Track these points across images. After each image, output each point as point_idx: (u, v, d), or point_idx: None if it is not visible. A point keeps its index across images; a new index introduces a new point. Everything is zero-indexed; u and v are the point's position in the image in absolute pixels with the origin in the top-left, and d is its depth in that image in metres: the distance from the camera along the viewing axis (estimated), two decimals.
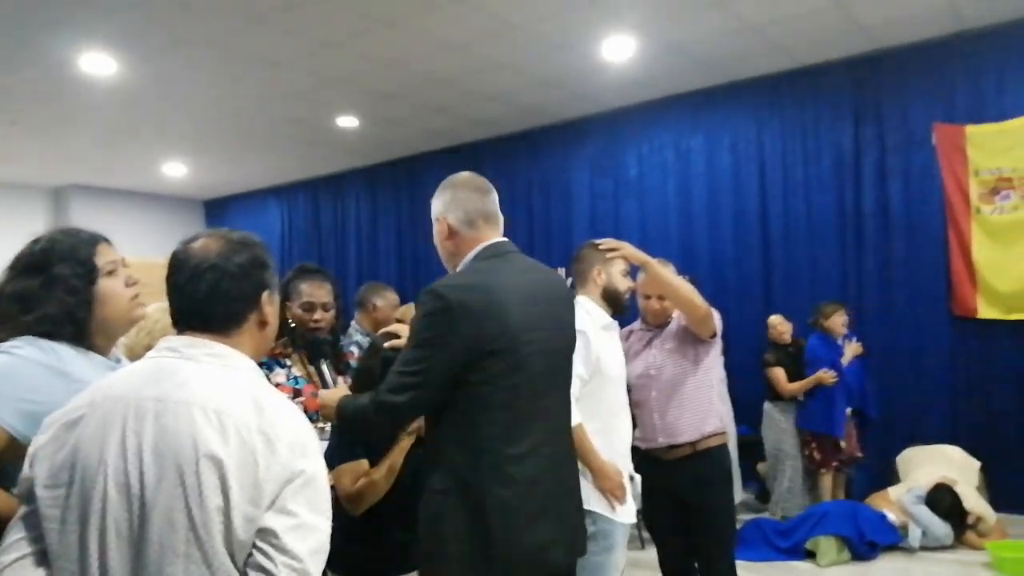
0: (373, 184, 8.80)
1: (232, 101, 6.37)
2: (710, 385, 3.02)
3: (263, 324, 1.34)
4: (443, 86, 6.14)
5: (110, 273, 1.69)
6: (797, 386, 5.28)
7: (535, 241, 7.44)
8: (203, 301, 1.27)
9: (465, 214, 2.01)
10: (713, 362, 3.05)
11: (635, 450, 3.15)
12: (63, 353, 1.57)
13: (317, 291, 2.78)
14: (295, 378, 2.71)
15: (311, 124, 7.08)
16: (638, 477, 2.77)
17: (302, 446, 1.19)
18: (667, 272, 2.87)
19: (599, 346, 2.63)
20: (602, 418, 2.64)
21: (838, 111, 5.90)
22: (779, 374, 5.38)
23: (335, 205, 9.17)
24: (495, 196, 2.10)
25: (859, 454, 5.32)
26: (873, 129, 5.76)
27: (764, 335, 5.68)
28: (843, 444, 5.18)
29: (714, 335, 2.99)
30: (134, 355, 2.50)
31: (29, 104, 6.13)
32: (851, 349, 5.28)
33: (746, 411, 5.81)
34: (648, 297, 3.05)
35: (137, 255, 9.82)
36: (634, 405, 3.14)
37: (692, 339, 3.00)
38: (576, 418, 2.50)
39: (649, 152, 6.87)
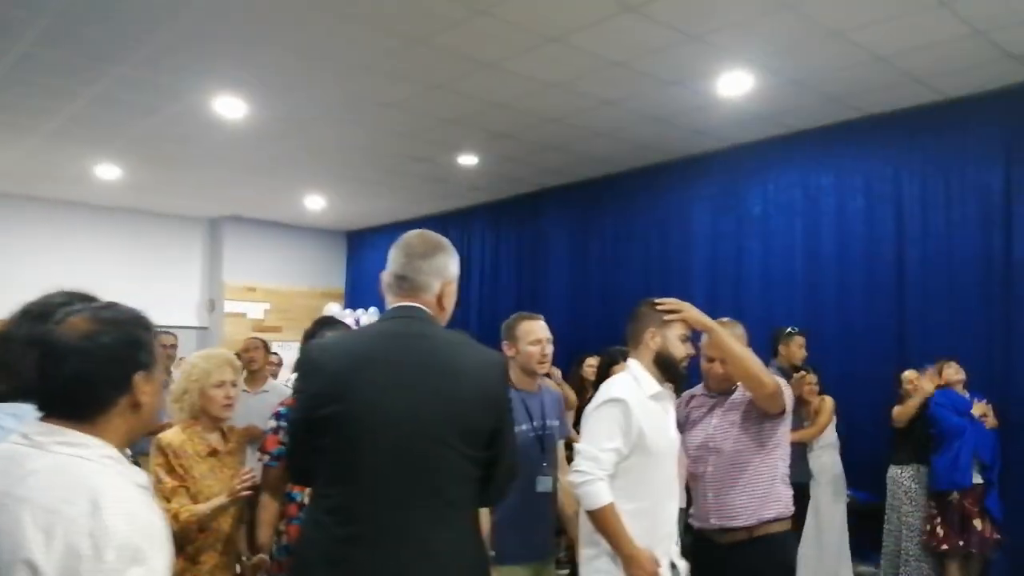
0: (497, 220, 8.88)
1: (356, 140, 6.63)
2: (775, 465, 2.72)
3: (136, 406, 1.28)
4: (551, 124, 6.09)
5: None
6: (903, 410, 4.84)
7: (651, 283, 7.15)
8: (65, 386, 1.21)
9: (386, 276, 1.92)
10: (780, 440, 2.75)
11: (688, 528, 2.90)
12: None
13: None
14: None
15: (434, 162, 7.24)
16: (683, 565, 2.52)
17: (134, 550, 1.10)
18: (732, 341, 2.62)
19: (643, 417, 2.43)
20: (643, 498, 2.43)
21: (986, 148, 5.27)
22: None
23: (461, 239, 9.31)
24: (428, 258, 1.90)
25: (995, 536, 4.65)
26: None
27: (892, 391, 5.13)
28: (976, 524, 4.57)
29: (783, 412, 2.71)
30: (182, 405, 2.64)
31: (174, 143, 6.66)
32: (978, 408, 4.66)
33: (867, 474, 5.28)
34: (712, 360, 2.81)
35: (284, 283, 10.56)
36: (690, 478, 2.90)
37: (758, 413, 2.72)
38: (605, 497, 2.33)
39: (775, 191, 6.47)
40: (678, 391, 2.97)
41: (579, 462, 2.41)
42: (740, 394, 2.77)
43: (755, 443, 2.71)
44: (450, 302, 1.94)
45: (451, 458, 1.74)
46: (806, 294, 6.14)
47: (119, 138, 6.48)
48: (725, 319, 2.91)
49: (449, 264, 1.94)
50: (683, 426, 2.88)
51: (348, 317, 9.55)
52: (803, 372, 4.71)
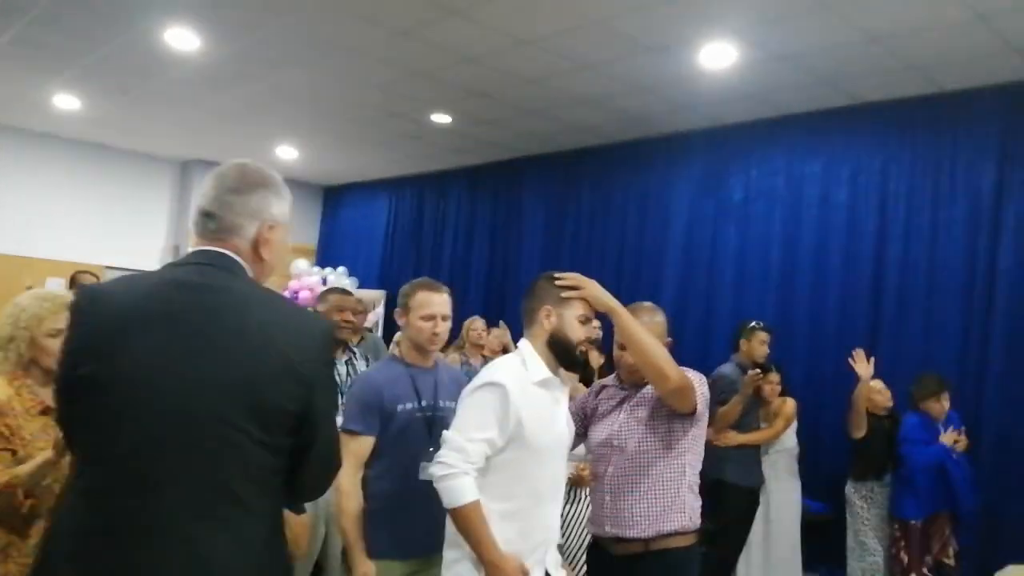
0: (473, 185, 8.53)
1: (325, 88, 6.26)
2: (681, 472, 2.42)
3: None
4: (529, 86, 5.73)
5: None
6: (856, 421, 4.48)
7: (624, 262, 6.88)
8: None
9: (193, 212, 1.59)
10: (690, 444, 2.44)
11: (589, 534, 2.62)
12: None
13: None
14: None
15: (407, 118, 6.88)
16: (561, 575, 2.23)
17: None
18: (636, 326, 2.30)
19: (524, 406, 2.12)
20: (517, 498, 2.13)
21: (980, 148, 4.94)
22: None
23: (437, 203, 8.98)
24: (243, 193, 1.55)
25: (950, 561, 4.39)
26: (1021, 173, 4.77)
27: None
28: (943, 549, 4.31)
29: (694, 412, 2.41)
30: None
31: (131, 76, 6.29)
32: (948, 437, 4.35)
33: (827, 486, 5.01)
34: (623, 348, 2.49)
35: None
36: (593, 478, 2.62)
37: (668, 412, 2.42)
38: (468, 493, 2.03)
39: (758, 176, 6.13)
40: (587, 381, 2.69)
41: (443, 453, 2.11)
42: (652, 389, 2.46)
43: (661, 445, 2.41)
44: (273, 252, 1.58)
45: (238, 443, 1.39)
46: (780, 287, 5.84)
47: (71, 66, 6.10)
48: (646, 303, 2.59)
49: (272, 203, 1.57)
50: (590, 419, 2.59)
51: (315, 275, 9.24)
52: (760, 370, 4.40)
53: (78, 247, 8.57)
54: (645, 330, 2.32)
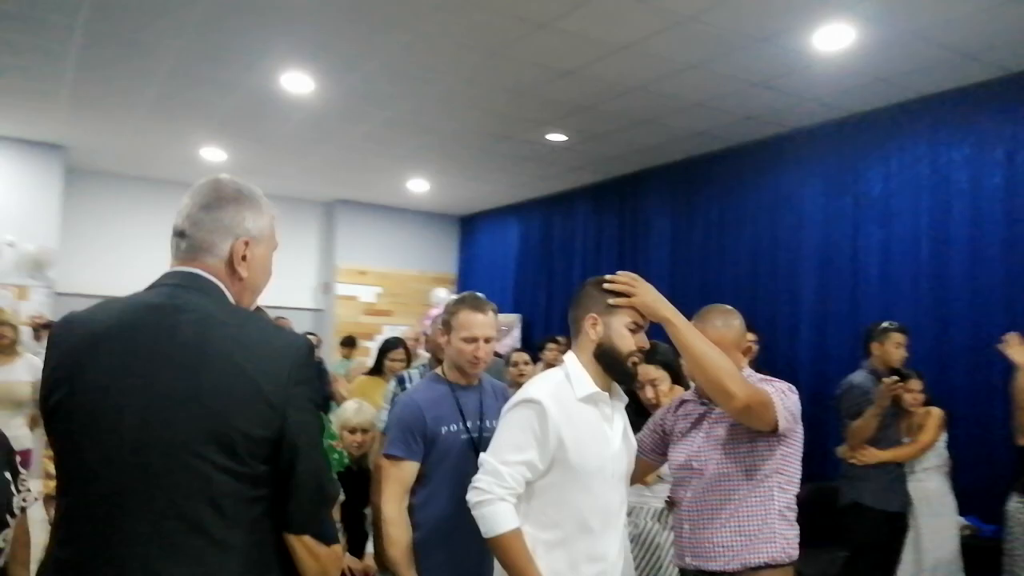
0: (598, 202, 8.37)
1: (434, 119, 6.39)
2: (768, 496, 2.12)
3: None
4: (632, 94, 5.54)
5: None
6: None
7: (758, 269, 6.44)
8: None
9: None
10: (779, 465, 2.14)
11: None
12: None
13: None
14: None
15: (520, 140, 6.87)
16: None
17: None
18: (695, 336, 2.06)
19: (566, 425, 1.95)
20: (564, 526, 1.96)
21: None
22: None
23: (564, 224, 8.89)
24: (214, 209, 1.50)
25: None
26: None
27: None
28: None
29: (775, 430, 2.11)
30: None
31: (260, 123, 6.70)
32: None
33: (990, 503, 4.38)
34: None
35: (396, 267, 10.58)
36: (671, 504, 2.38)
37: (747, 431, 2.14)
38: (506, 521, 1.89)
39: (898, 167, 5.55)
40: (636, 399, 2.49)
41: (477, 477, 1.98)
42: None
43: (742, 468, 2.14)
44: (252, 270, 1.51)
45: (199, 471, 1.31)
46: (932, 286, 5.23)
47: (209, 118, 6.60)
48: (720, 306, 2.33)
49: (246, 218, 1.51)
50: (669, 437, 2.36)
51: None
52: (898, 377, 3.91)
53: None
54: (705, 341, 2.06)
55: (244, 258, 1.50)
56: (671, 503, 2.65)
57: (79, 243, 8.23)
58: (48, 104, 6.36)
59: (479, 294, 2.58)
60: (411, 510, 2.38)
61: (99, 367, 1.37)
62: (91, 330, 1.41)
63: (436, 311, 9.49)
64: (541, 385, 2.03)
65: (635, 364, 2.07)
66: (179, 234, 1.50)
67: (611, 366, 2.05)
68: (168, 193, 9.02)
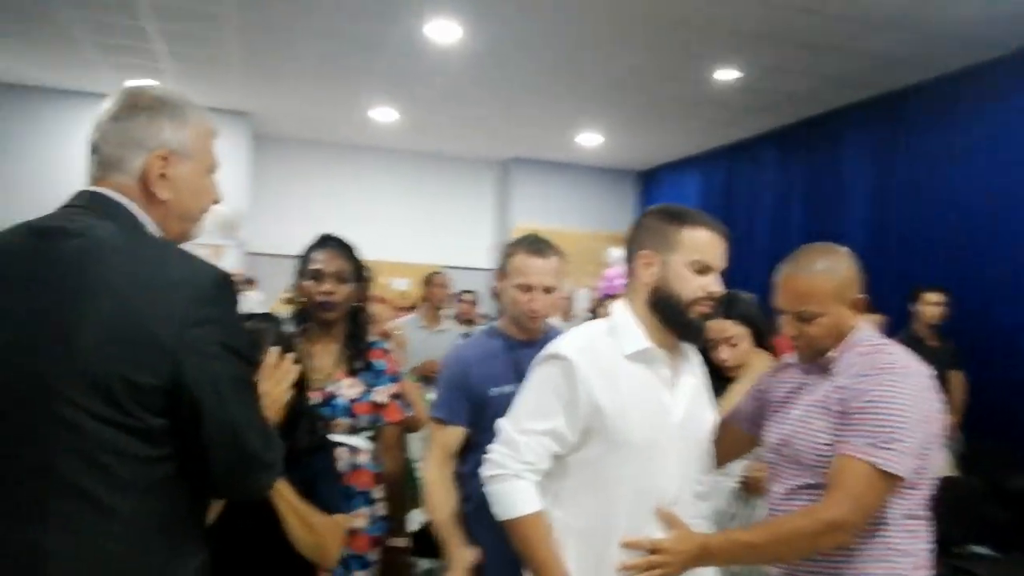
0: (784, 149, 7.51)
1: (594, 64, 5.97)
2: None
3: None
4: (815, 14, 4.77)
5: None
6: None
7: (974, 212, 5.41)
8: None
9: None
10: None
11: None
12: None
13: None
14: None
15: (689, 80, 6.26)
16: None
17: None
18: (755, 550, 1.59)
19: (604, 388, 1.57)
20: (602, 515, 1.58)
21: None
22: None
23: (748, 176, 8.10)
24: (123, 119, 1.28)
25: None
26: None
27: None
28: None
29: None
30: None
31: (420, 77, 6.63)
32: None
33: None
34: (802, 318, 1.69)
35: (570, 225, 10.28)
36: (756, 489, 1.91)
37: None
38: (524, 502, 1.56)
39: None
40: (708, 357, 1.98)
41: (491, 447, 1.64)
42: (844, 366, 1.66)
43: None
44: (176, 190, 1.28)
45: (75, 423, 1.11)
46: None
47: (369, 78, 6.62)
48: (826, 245, 1.73)
49: (163, 128, 1.27)
50: (765, 412, 1.87)
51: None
52: None
53: (413, 249, 9.38)
54: (763, 544, 1.56)
55: (163, 176, 1.27)
56: (750, 485, 2.15)
57: (267, 205, 8.72)
58: (223, 71, 6.68)
59: (542, 236, 2.21)
60: (460, 479, 2.10)
61: None
62: None
63: (613, 272, 9.10)
64: (573, 338, 1.66)
65: (702, 315, 1.62)
66: (92, 150, 1.29)
67: (669, 317, 1.62)
68: (346, 156, 9.36)
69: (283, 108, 7.82)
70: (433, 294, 5.14)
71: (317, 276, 2.28)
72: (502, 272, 2.17)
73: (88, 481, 1.12)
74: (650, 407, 1.60)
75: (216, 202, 1.40)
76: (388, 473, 2.35)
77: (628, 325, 1.64)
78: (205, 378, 1.16)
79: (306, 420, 1.71)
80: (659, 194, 9.98)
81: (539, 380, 1.63)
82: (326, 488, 1.69)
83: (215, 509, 1.49)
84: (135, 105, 1.28)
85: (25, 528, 1.11)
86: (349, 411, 2.25)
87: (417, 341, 4.48)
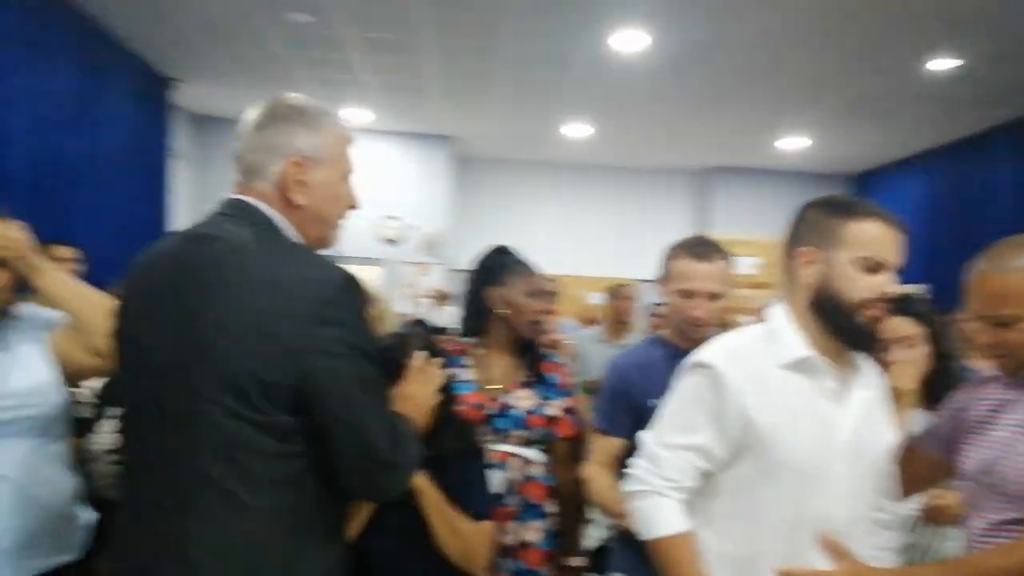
0: (1021, 144, 6.63)
1: (807, 63, 5.64)
2: None
3: None
4: None
5: None
6: None
7: None
8: None
9: None
10: None
11: None
12: None
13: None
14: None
15: (900, 73, 5.72)
16: None
17: None
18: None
19: (756, 400, 1.45)
20: (757, 541, 1.45)
21: None
22: None
23: (980, 172, 7.23)
24: (263, 128, 1.36)
25: None
26: None
27: None
28: None
29: None
30: None
31: (609, 95, 6.61)
32: None
33: None
34: (999, 323, 1.46)
35: (775, 235, 9.67)
36: (948, 518, 1.67)
37: None
38: (667, 522, 1.47)
39: None
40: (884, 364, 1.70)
41: (633, 461, 1.55)
42: None
43: None
44: (313, 196, 1.33)
45: (213, 420, 1.18)
46: None
47: (559, 94, 6.71)
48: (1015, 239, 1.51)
49: (297, 135, 1.33)
50: (961, 434, 1.63)
51: None
52: None
53: (608, 263, 9.34)
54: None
55: (299, 181, 1.33)
56: (933, 513, 1.88)
57: (468, 223, 9.08)
58: (425, 98, 7.06)
59: (709, 237, 2.09)
60: None
61: (135, 306, 1.33)
62: (141, 266, 1.36)
63: None
64: (722, 344, 1.53)
65: (872, 320, 1.45)
66: (237, 159, 1.38)
67: (834, 321, 1.46)
68: (542, 173, 9.53)
69: (481, 130, 8.12)
70: (618, 307, 5.05)
71: (537, 294, 2.31)
72: (664, 277, 2.09)
73: (224, 475, 1.20)
74: (810, 423, 1.45)
75: (353, 207, 1.44)
76: (560, 488, 2.31)
77: (786, 330, 1.50)
78: (329, 377, 1.20)
79: (453, 426, 1.72)
80: (878, 199, 9.17)
81: (683, 390, 1.54)
82: (475, 495, 1.69)
83: (362, 511, 1.54)
84: (273, 115, 1.36)
85: (173, 517, 1.21)
86: (523, 423, 2.24)
87: (595, 354, 4.41)
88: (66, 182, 4.96)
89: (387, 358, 1.61)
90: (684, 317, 2.00)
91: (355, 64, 6.15)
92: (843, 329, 1.46)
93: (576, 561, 2.35)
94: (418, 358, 1.59)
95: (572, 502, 2.32)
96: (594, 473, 2.01)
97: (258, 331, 1.19)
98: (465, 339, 2.35)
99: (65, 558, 1.69)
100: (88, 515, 1.79)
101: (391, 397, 1.40)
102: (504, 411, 2.24)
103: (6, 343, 1.67)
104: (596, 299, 9.51)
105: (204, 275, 1.24)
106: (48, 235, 4.32)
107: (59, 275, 1.70)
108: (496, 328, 2.30)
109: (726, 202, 9.52)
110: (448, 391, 1.68)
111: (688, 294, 1.99)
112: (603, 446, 2.03)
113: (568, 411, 2.33)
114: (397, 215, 8.36)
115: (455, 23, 5.16)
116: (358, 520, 1.52)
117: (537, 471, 2.25)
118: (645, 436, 1.57)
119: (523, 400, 2.26)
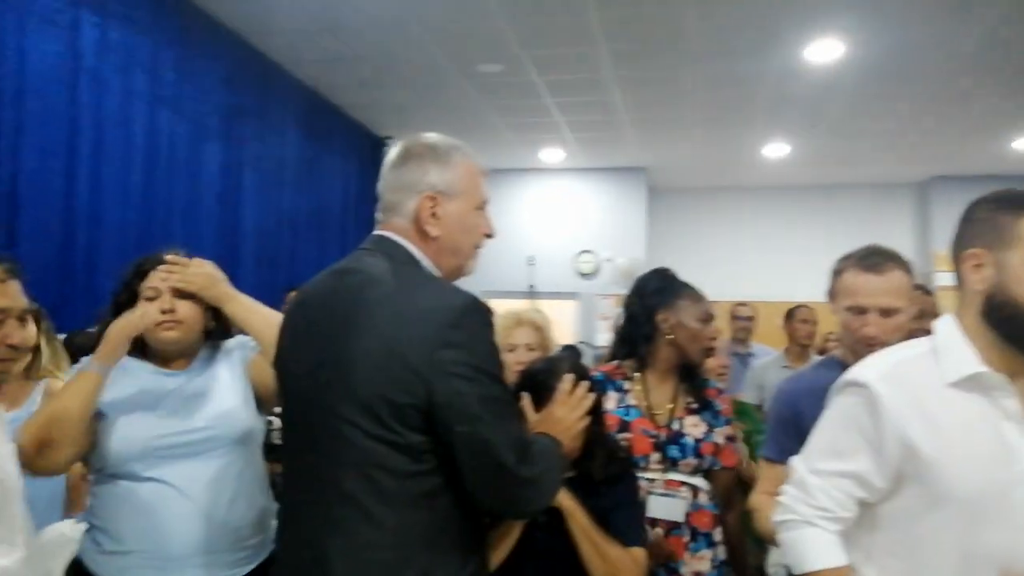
0: None
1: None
2: None
3: None
4: None
5: (149, 299, 1.85)
6: None
7: None
8: None
9: None
10: None
11: None
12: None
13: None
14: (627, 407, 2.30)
15: None
16: None
17: None
18: None
19: (920, 424, 1.33)
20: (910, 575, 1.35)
21: None
22: None
23: None
24: (398, 167, 1.47)
25: None
26: None
27: None
28: None
29: None
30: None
31: (798, 108, 6.32)
32: None
33: None
34: None
35: None
36: None
37: None
38: (817, 555, 1.40)
39: None
40: None
41: (783, 488, 1.47)
42: None
43: None
44: (445, 227, 1.42)
45: (352, 440, 1.28)
46: None
47: (753, 115, 6.53)
48: None
49: (429, 171, 1.42)
50: None
51: None
52: None
53: (812, 288, 8.80)
54: None
55: (434, 215, 1.42)
56: None
57: (663, 254, 8.95)
58: (617, 132, 7.16)
59: (884, 246, 1.95)
60: None
61: (289, 334, 1.48)
62: (298, 297, 1.52)
63: None
64: (879, 361, 1.42)
65: None
66: (378, 197, 1.50)
67: (1011, 332, 1.31)
68: (741, 200, 9.25)
69: (674, 158, 8.06)
70: (795, 330, 4.77)
71: (708, 319, 2.30)
72: (833, 292, 1.98)
73: (361, 493, 1.28)
74: (985, 450, 1.31)
75: (489, 235, 1.52)
76: (725, 518, 2.28)
77: (954, 344, 1.36)
78: (453, 397, 1.26)
79: (603, 449, 1.73)
80: None
81: (836, 412, 1.44)
82: (623, 519, 1.68)
83: (511, 533, 1.60)
84: (407, 154, 1.47)
85: (317, 534, 1.32)
86: (697, 451, 2.22)
87: (778, 381, 4.18)
88: (290, 235, 5.61)
89: (537, 382, 1.69)
90: (856, 336, 1.87)
91: (546, 106, 6.39)
92: (1020, 340, 1.33)
93: None
94: (567, 381, 1.63)
95: (737, 532, 2.29)
96: (762, 502, 1.94)
97: (388, 355, 1.27)
98: (624, 362, 2.36)
99: (240, 572, 1.79)
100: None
101: (520, 415, 1.45)
102: (676, 438, 2.22)
103: (205, 369, 1.89)
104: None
105: (343, 305, 1.35)
106: (280, 281, 5.02)
107: (247, 301, 1.87)
108: (662, 352, 2.29)
109: (948, 215, 8.64)
110: (597, 414, 1.70)
111: (859, 310, 1.86)
112: (771, 475, 1.94)
113: (730, 439, 2.29)
114: (591, 249, 8.48)
115: (636, 54, 5.21)
116: (507, 542, 1.58)
117: (705, 500, 2.23)
118: (796, 461, 1.50)
119: (694, 427, 2.24)
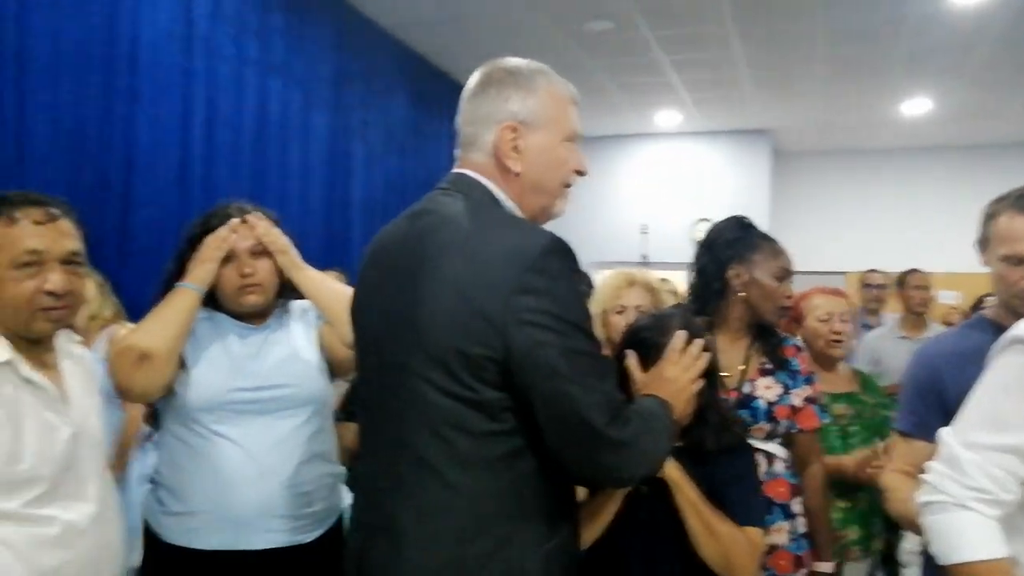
0: None
1: None
2: None
3: None
4: None
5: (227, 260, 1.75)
6: None
7: None
8: None
9: None
10: None
11: None
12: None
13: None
14: None
15: None
16: None
17: None
18: None
19: None
20: None
21: None
22: None
23: None
24: (475, 97, 1.30)
25: None
26: None
27: None
28: None
29: None
30: None
31: (941, 57, 5.74)
32: None
33: None
34: None
35: None
36: None
37: None
38: (972, 544, 1.19)
39: None
40: None
41: (929, 465, 1.25)
42: None
43: None
44: (529, 162, 1.25)
45: (423, 396, 1.15)
46: None
47: (889, 67, 5.98)
48: None
49: (509, 99, 1.25)
50: None
51: None
52: None
53: (960, 258, 8.09)
54: None
55: (515, 148, 1.26)
56: None
57: (787, 220, 8.49)
58: (736, 92, 6.75)
59: None
60: None
61: (362, 284, 1.36)
62: (373, 242, 1.39)
63: None
64: None
65: None
66: (457, 132, 1.35)
67: None
68: (878, 162, 8.59)
69: (800, 119, 7.56)
70: (909, 297, 4.42)
71: (786, 276, 2.09)
72: (984, 240, 1.70)
73: (434, 455, 1.16)
74: None
75: (580, 173, 1.34)
76: (806, 486, 2.10)
77: None
78: (534, 349, 1.11)
79: (715, 417, 1.55)
80: None
81: (999, 376, 1.22)
82: (738, 495, 1.50)
83: (610, 503, 1.45)
84: (486, 82, 1.30)
85: (387, 497, 1.21)
86: (770, 415, 2.02)
87: (897, 353, 3.81)
88: (398, 202, 5.59)
89: (644, 339, 1.52)
90: (1012, 290, 1.59)
91: (660, 65, 6.09)
92: None
93: (825, 567, 2.10)
94: (678, 339, 1.45)
95: (818, 501, 2.11)
96: (895, 482, 1.70)
97: (460, 302, 1.13)
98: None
99: (306, 538, 1.72)
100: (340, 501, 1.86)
101: (612, 371, 1.27)
102: (747, 401, 2.02)
103: (279, 328, 1.82)
104: (949, 298, 8.28)
105: (413, 250, 1.22)
106: None
107: (313, 272, 1.80)
108: (733, 311, 2.08)
109: None
110: (712, 378, 1.52)
111: (1017, 260, 1.57)
112: (906, 451, 1.70)
113: (810, 400, 2.07)
114: (709, 217, 8.10)
115: (758, 4, 4.85)
116: (603, 516, 1.44)
117: (780, 468, 2.03)
118: (944, 434, 1.28)
119: (767, 389, 2.03)
